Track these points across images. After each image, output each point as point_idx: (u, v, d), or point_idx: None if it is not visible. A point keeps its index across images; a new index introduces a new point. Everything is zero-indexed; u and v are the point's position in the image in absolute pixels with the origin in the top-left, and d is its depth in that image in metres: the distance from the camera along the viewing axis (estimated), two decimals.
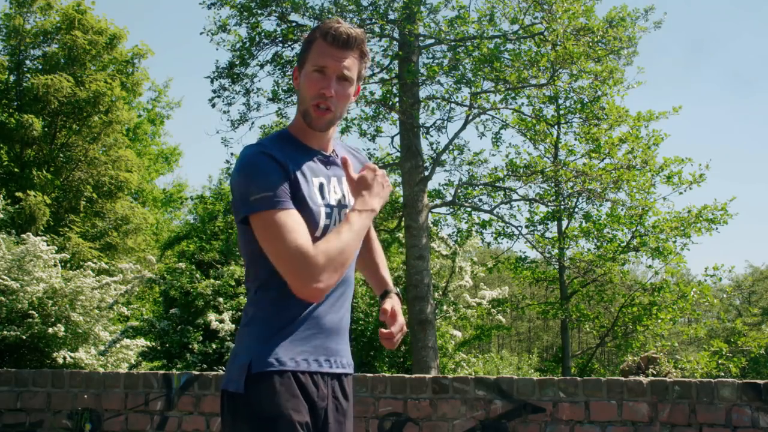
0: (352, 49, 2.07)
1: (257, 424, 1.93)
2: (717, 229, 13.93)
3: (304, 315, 2.03)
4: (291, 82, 13.30)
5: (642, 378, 5.52)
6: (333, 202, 2.08)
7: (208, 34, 13.09)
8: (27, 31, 19.19)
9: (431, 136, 13.51)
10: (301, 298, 1.94)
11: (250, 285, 2.08)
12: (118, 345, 12.06)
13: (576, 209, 14.88)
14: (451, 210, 14.34)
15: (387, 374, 6.09)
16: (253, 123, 13.52)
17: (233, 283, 13.62)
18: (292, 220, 1.94)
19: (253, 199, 1.95)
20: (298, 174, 2.03)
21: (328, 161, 2.14)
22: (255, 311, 2.04)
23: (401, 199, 13.27)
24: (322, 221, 2.03)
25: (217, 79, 13.30)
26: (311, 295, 1.92)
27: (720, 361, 13.93)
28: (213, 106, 13.45)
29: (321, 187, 2.07)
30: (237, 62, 13.09)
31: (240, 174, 1.99)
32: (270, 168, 1.97)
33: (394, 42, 12.90)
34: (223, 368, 11.20)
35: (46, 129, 18.51)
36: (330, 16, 12.64)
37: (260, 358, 1.97)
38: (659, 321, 14.27)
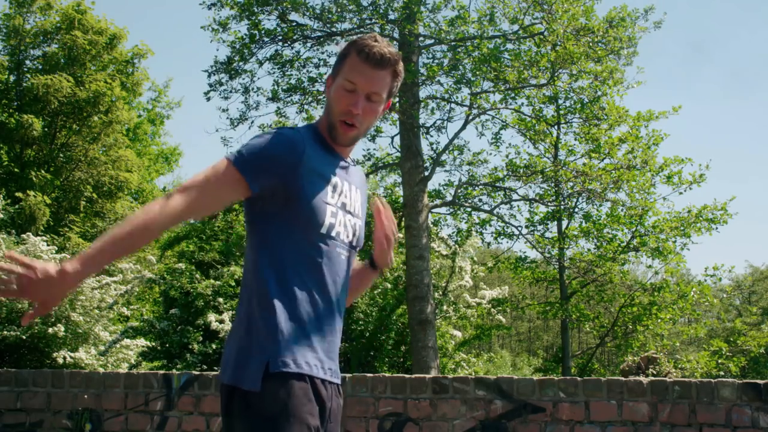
0: (385, 69, 2.10)
1: (271, 425, 1.91)
2: (717, 229, 13.92)
3: (312, 314, 2.03)
4: (291, 81, 13.36)
5: (642, 378, 5.52)
6: (339, 204, 2.12)
7: (209, 29, 13.06)
8: (27, 31, 19.18)
9: (431, 136, 13.50)
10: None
11: (260, 274, 2.03)
12: (118, 345, 12.06)
13: (576, 209, 14.85)
14: (451, 210, 14.33)
15: (387, 374, 6.09)
16: (252, 122, 13.48)
17: (233, 284, 13.61)
18: (220, 184, 1.96)
19: (239, 149, 2.02)
20: (315, 168, 2.06)
21: (346, 166, 2.19)
22: (263, 301, 2.00)
23: (401, 199, 13.26)
24: (327, 219, 2.06)
25: (215, 74, 13.25)
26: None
27: (720, 361, 13.92)
28: (208, 99, 13.38)
29: (334, 186, 2.11)
30: (236, 58, 13.05)
31: (262, 134, 2.07)
32: (275, 151, 2.01)
33: (394, 42, 12.88)
34: None
35: (46, 129, 18.51)
36: (330, 16, 12.63)
37: (278, 357, 1.96)
38: (659, 321, 14.26)
